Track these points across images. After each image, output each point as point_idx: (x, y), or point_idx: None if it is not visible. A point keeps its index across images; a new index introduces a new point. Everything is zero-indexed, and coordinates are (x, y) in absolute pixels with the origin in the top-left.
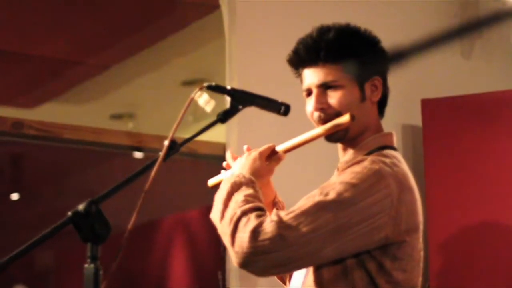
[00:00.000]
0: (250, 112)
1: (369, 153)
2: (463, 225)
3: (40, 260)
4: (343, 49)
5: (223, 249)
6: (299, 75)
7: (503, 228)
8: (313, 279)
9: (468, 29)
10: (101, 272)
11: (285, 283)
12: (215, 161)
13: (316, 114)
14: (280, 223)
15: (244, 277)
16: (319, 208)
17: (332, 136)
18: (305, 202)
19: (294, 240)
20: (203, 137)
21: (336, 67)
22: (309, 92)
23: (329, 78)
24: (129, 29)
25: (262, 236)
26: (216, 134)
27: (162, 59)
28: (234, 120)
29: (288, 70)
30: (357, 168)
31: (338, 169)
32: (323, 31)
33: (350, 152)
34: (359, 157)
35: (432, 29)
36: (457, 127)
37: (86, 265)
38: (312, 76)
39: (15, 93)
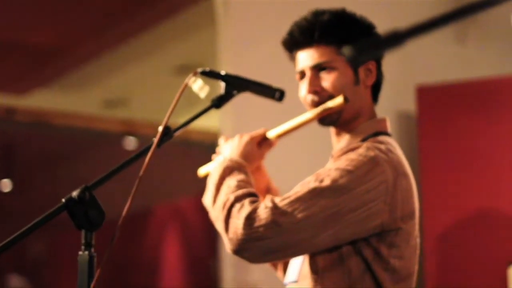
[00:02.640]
0: (244, 99)
1: (363, 140)
2: (458, 213)
3: (32, 249)
4: (338, 31)
5: (216, 236)
6: (293, 59)
7: (498, 216)
8: (308, 267)
9: (462, 13)
10: (95, 259)
11: (276, 269)
12: (207, 148)
13: (310, 97)
14: (275, 209)
15: (237, 265)
16: (314, 194)
17: (325, 120)
18: (300, 188)
19: (288, 226)
20: (196, 124)
21: (330, 49)
22: (302, 75)
23: (323, 59)
24: (121, 16)
25: (257, 223)
26: (209, 122)
27: (154, 46)
28: (228, 107)
29: (281, 56)
30: (353, 155)
31: (332, 156)
32: (318, 13)
33: (344, 138)
34: (354, 144)
35: (426, 14)
36: (451, 113)
37: (80, 252)
38: (305, 57)
39: (7, 80)
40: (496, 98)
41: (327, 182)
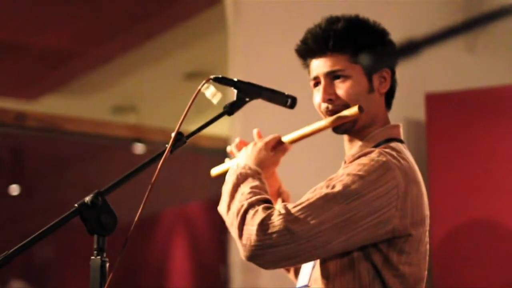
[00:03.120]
0: (254, 106)
1: (376, 146)
2: (467, 218)
3: (37, 255)
4: (352, 39)
5: (225, 241)
6: (307, 66)
7: (507, 220)
8: (319, 272)
9: (473, 24)
10: (107, 264)
11: (288, 272)
12: (216, 154)
13: (324, 105)
14: (288, 216)
15: (246, 270)
16: (326, 200)
17: (339, 128)
18: (312, 194)
19: (302, 233)
20: (206, 130)
21: (345, 57)
22: (316, 82)
23: (337, 67)
24: (131, 21)
25: (270, 230)
26: (219, 128)
27: (164, 52)
28: (238, 114)
29: (292, 63)
30: (364, 160)
31: (345, 162)
32: (332, 21)
33: (357, 145)
34: (366, 150)
35: (436, 23)
36: (461, 121)
37: (92, 257)
38: (320, 65)
39: (18, 85)
40: (505, 106)
41: (338, 187)
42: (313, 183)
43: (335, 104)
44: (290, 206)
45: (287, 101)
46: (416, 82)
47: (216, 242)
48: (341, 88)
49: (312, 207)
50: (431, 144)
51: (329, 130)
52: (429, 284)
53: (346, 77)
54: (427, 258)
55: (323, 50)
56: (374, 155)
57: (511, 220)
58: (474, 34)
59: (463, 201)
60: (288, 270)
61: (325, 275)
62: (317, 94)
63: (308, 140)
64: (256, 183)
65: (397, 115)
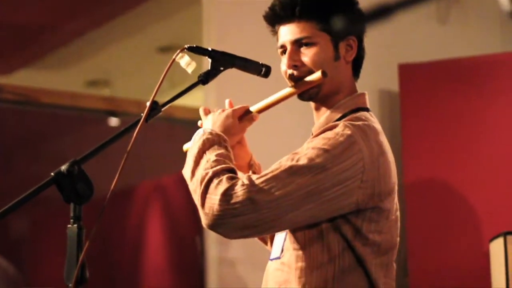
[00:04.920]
0: (228, 77)
1: (343, 115)
2: (440, 189)
3: (11, 228)
4: (320, 6)
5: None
6: (275, 33)
7: (479, 191)
8: (289, 242)
9: None
10: (84, 232)
11: (266, 244)
12: (191, 126)
13: (290, 71)
14: (252, 186)
15: (222, 242)
16: (291, 173)
17: (304, 94)
18: (277, 166)
19: (264, 204)
20: (180, 102)
21: (311, 24)
22: (283, 50)
23: (303, 34)
24: None
25: (233, 200)
26: (193, 99)
27: (138, 25)
28: (212, 84)
29: (266, 34)
30: (329, 134)
31: (312, 134)
32: None
33: (324, 115)
34: (331, 123)
35: None
36: (434, 92)
37: (69, 226)
38: (286, 32)
39: None
40: (478, 76)
41: (303, 161)
42: (282, 153)
43: (300, 71)
44: (254, 177)
45: (261, 70)
46: (389, 53)
47: (191, 214)
48: (307, 55)
49: (276, 179)
50: (404, 114)
51: (298, 100)
52: (403, 255)
53: (312, 44)
54: (398, 224)
55: (290, 16)
56: (339, 128)
57: (484, 188)
58: (446, 5)
59: (436, 169)
60: (266, 242)
61: (295, 246)
62: (284, 61)
63: (276, 111)
64: (222, 150)
65: (371, 85)
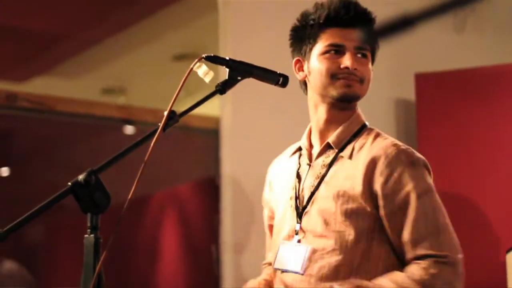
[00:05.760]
0: (244, 86)
1: (361, 129)
2: (456, 198)
3: (28, 235)
4: (370, 20)
5: (215, 222)
6: (316, 33)
7: (496, 201)
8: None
9: (460, 2)
10: (101, 242)
11: None
12: (207, 134)
13: (352, 70)
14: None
15: (237, 250)
16: (435, 210)
17: (355, 94)
18: (423, 223)
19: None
20: (196, 110)
21: (364, 37)
22: (335, 50)
23: (365, 44)
24: (121, 2)
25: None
26: (209, 108)
27: (154, 33)
28: (229, 94)
29: (282, 42)
30: (393, 154)
31: (333, 143)
32: (350, 0)
33: (343, 123)
34: (374, 140)
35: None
36: (450, 101)
37: (86, 235)
38: (350, 36)
39: (8, 66)
40: (494, 86)
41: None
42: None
43: (356, 75)
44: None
45: (279, 79)
46: (406, 62)
47: (207, 223)
48: (363, 64)
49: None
50: (420, 123)
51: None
52: None
53: (365, 56)
54: None
55: (358, 23)
56: (396, 147)
57: (500, 199)
58: (463, 15)
59: (452, 178)
60: None
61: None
62: (333, 60)
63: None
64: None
65: (387, 94)
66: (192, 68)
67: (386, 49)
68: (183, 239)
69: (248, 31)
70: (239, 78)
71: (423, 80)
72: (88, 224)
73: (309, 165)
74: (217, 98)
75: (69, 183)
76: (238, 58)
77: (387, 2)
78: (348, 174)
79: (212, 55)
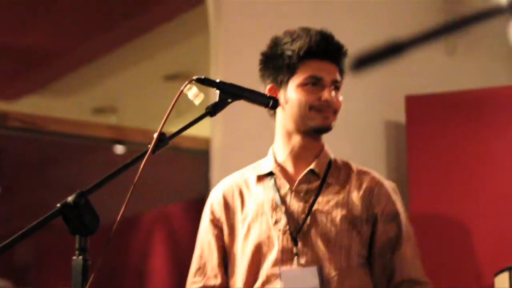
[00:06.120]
0: (235, 107)
1: (331, 159)
2: (445, 220)
3: (19, 255)
4: (344, 54)
5: None
6: (295, 64)
7: (485, 224)
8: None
9: (453, 27)
10: (89, 264)
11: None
12: (198, 155)
13: (330, 103)
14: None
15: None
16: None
17: (329, 125)
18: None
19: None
20: (187, 131)
21: (340, 70)
22: (314, 82)
23: (340, 78)
24: (113, 22)
25: None
26: (200, 129)
27: (145, 53)
28: (219, 115)
29: None
30: (391, 191)
31: (317, 170)
32: (329, 33)
33: (322, 153)
34: (357, 170)
35: (417, 26)
36: (440, 124)
37: (74, 257)
38: (328, 70)
39: None
40: (484, 109)
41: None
42: None
43: (333, 107)
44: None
45: (269, 102)
46: (396, 84)
47: (195, 243)
48: (338, 97)
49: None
50: (410, 146)
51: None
52: None
53: (339, 89)
54: None
55: (332, 57)
56: (386, 181)
57: (489, 222)
58: (454, 37)
59: (442, 201)
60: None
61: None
62: (312, 92)
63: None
64: None
65: (377, 117)
66: (182, 90)
67: (377, 71)
68: (173, 259)
69: (240, 52)
70: (230, 100)
71: (413, 102)
72: (77, 246)
73: (291, 190)
74: (207, 119)
75: (58, 205)
76: (229, 79)
77: (378, 29)
78: (344, 200)
79: (202, 77)
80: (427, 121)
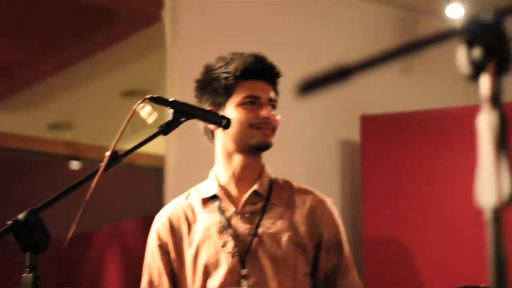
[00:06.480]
0: (189, 124)
1: (272, 178)
2: (399, 241)
3: None
4: (278, 74)
5: None
6: (232, 85)
7: (436, 246)
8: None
9: (408, 49)
10: (40, 282)
11: None
12: (152, 172)
13: (269, 120)
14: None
15: None
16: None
17: (268, 143)
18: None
19: None
20: (141, 148)
21: (275, 89)
22: (252, 101)
23: (275, 96)
24: (69, 38)
25: None
26: (154, 146)
27: (102, 69)
28: (173, 132)
29: None
30: (332, 209)
31: (261, 191)
32: (261, 55)
33: (263, 172)
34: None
35: (373, 46)
36: (395, 143)
37: (24, 274)
38: (264, 88)
39: None
40: (438, 129)
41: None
42: None
43: (271, 124)
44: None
45: (222, 121)
46: (351, 103)
47: None
48: (275, 115)
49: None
50: (365, 165)
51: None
52: None
53: (275, 108)
54: None
55: (269, 77)
56: (327, 198)
57: (441, 240)
58: (410, 58)
59: (395, 218)
60: None
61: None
62: (251, 110)
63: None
64: None
65: (332, 136)
66: (135, 109)
67: (333, 91)
68: (126, 276)
69: (196, 70)
70: (183, 119)
71: (368, 122)
72: (27, 263)
73: (236, 213)
74: (162, 136)
75: (9, 222)
76: (185, 96)
77: (333, 52)
78: (289, 220)
79: (156, 96)
80: (382, 141)
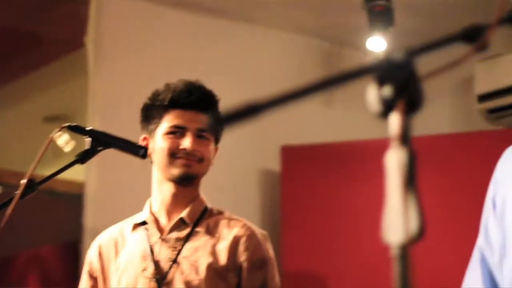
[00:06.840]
0: (109, 152)
1: (206, 208)
2: (316, 266)
3: None
4: (213, 104)
5: (77, 285)
6: (161, 114)
7: (354, 272)
8: None
9: (330, 83)
10: None
11: None
12: (72, 199)
13: (190, 151)
14: None
15: None
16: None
17: (195, 174)
18: None
19: None
20: (61, 175)
21: (206, 119)
22: (177, 131)
23: (205, 127)
24: None
25: None
26: (74, 173)
27: (24, 94)
28: (94, 159)
29: None
30: (260, 238)
31: (187, 219)
32: (195, 84)
33: (192, 203)
34: (229, 220)
35: (299, 76)
36: (314, 174)
37: None
38: (192, 118)
39: None
40: (358, 161)
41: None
42: None
43: (196, 155)
44: None
45: (139, 151)
46: (273, 134)
47: (70, 285)
48: (203, 146)
49: None
50: (284, 194)
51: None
52: None
53: (206, 138)
54: None
55: (200, 106)
56: (257, 229)
57: (359, 269)
58: (331, 91)
59: (313, 248)
60: None
61: None
62: (171, 141)
63: None
64: None
65: (252, 165)
66: (52, 138)
67: (253, 121)
68: None
69: (118, 97)
70: (100, 148)
71: (288, 152)
72: None
73: (161, 239)
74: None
75: None
76: (106, 123)
77: (258, 85)
78: (210, 248)
79: (74, 124)
80: (301, 171)
